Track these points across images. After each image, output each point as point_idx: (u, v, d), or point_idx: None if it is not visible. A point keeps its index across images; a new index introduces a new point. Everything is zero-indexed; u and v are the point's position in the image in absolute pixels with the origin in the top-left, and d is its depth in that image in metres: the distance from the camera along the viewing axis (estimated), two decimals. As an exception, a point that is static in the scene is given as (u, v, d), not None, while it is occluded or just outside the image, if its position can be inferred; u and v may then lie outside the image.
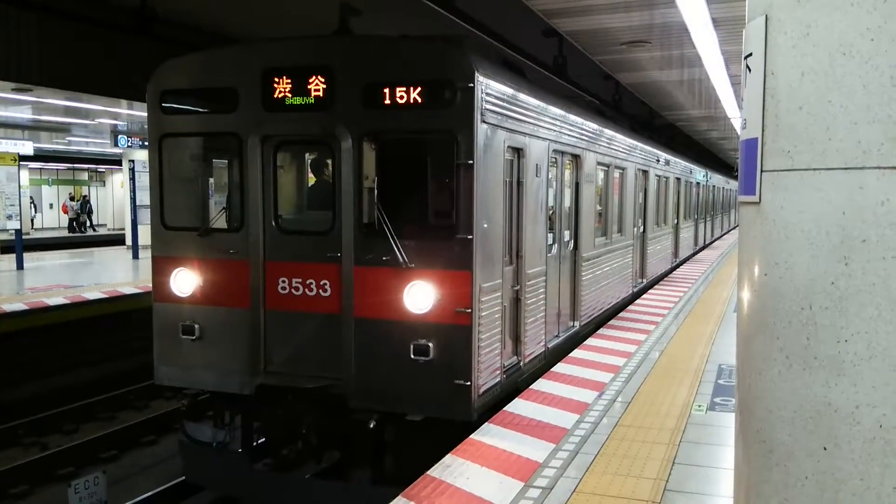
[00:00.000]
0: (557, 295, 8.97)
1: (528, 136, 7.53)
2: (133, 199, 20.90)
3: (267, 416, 6.89)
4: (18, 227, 18.21)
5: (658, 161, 15.74)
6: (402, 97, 6.19)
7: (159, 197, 7.20)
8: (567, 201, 9.50)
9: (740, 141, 2.47)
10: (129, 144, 21.83)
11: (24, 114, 19.10)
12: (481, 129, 6.23)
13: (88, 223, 40.66)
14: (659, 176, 15.94)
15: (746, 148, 2.38)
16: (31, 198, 38.93)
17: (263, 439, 7.37)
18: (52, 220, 45.22)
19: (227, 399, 7.13)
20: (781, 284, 2.21)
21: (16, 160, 18.08)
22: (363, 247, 6.44)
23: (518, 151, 7.34)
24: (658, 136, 18.79)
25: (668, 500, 4.75)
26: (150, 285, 7.34)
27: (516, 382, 7.39)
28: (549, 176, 8.43)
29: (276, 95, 6.60)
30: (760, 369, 2.30)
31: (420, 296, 6.25)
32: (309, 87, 6.51)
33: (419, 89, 6.15)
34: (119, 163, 30.66)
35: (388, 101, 6.23)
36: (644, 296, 14.00)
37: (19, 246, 18.23)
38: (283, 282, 6.72)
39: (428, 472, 5.21)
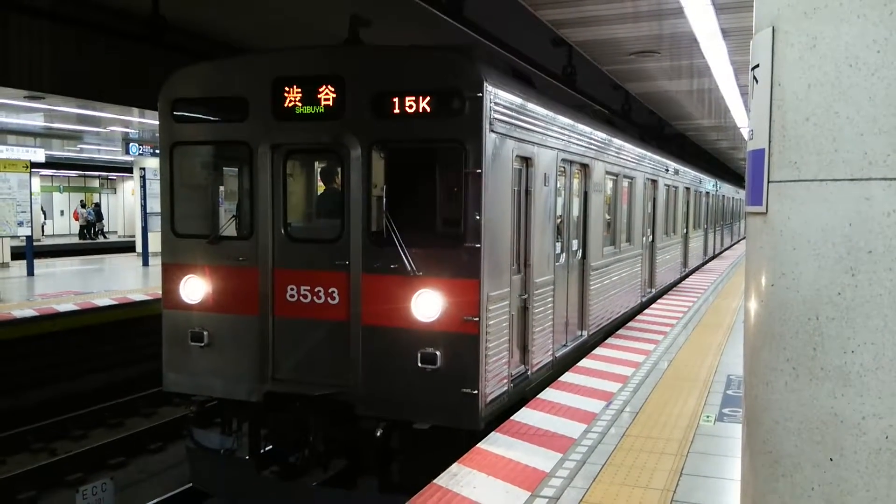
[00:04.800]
0: (565, 304, 8.97)
1: (537, 146, 7.55)
2: (144, 207, 21.02)
3: (274, 423, 6.91)
4: (29, 234, 18.33)
5: (667, 170, 15.72)
6: (411, 106, 6.22)
7: (170, 204, 7.24)
8: (575, 210, 9.50)
9: (747, 152, 2.48)
10: (141, 152, 21.96)
11: (36, 121, 19.24)
12: (490, 139, 6.25)
13: (100, 230, 40.89)
14: (668, 185, 15.92)
15: (753, 158, 2.39)
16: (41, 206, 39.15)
17: (271, 446, 7.38)
18: (63, 226, 45.48)
19: (234, 406, 7.15)
20: (788, 295, 2.21)
21: (27, 167, 18.22)
22: (371, 255, 6.46)
23: (526, 160, 7.36)
24: (667, 146, 18.78)
25: (675, 511, 4.74)
26: (160, 292, 7.38)
27: (524, 391, 7.38)
28: (558, 185, 8.43)
29: (286, 104, 6.65)
30: (767, 380, 2.30)
31: (428, 304, 6.26)
32: (319, 96, 6.55)
33: (428, 98, 6.18)
34: (130, 170, 30.86)
35: (397, 111, 6.26)
36: (653, 305, 13.96)
37: (30, 252, 18.35)
38: (292, 289, 6.74)
39: (434, 481, 5.21)
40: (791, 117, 2.20)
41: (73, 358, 12.53)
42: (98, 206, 43.06)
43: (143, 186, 21.06)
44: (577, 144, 9.09)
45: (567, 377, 8.23)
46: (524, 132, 7.12)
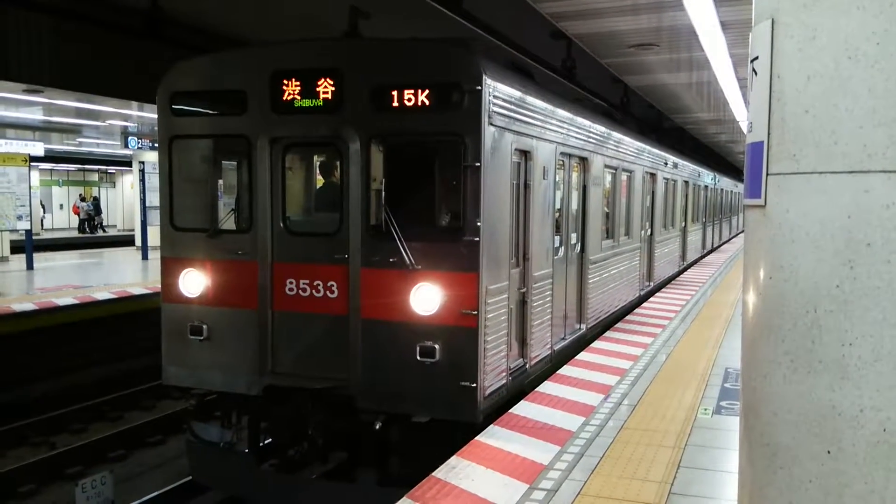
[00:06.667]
0: (564, 297, 8.97)
1: (536, 139, 7.54)
2: (143, 201, 21.00)
3: (274, 416, 6.92)
4: (28, 228, 18.32)
5: (666, 164, 15.71)
6: (410, 100, 6.21)
7: (169, 198, 7.23)
8: (574, 204, 9.49)
9: (746, 144, 2.47)
10: (140, 146, 21.93)
11: (35, 115, 19.19)
12: (489, 132, 6.24)
13: (99, 223, 40.84)
14: (667, 179, 15.92)
15: (752, 151, 2.38)
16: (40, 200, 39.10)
17: (270, 440, 7.40)
18: (62, 220, 45.43)
19: (234, 399, 7.16)
20: (786, 287, 2.21)
21: (26, 161, 18.19)
22: (370, 248, 6.46)
23: (525, 154, 7.35)
24: (666, 139, 18.76)
25: (673, 504, 4.75)
26: (159, 286, 7.38)
27: (522, 385, 7.39)
28: (557, 178, 8.43)
29: (285, 98, 6.63)
30: (765, 372, 2.30)
31: (427, 297, 6.27)
32: (318, 89, 6.54)
33: (427, 92, 6.17)
34: (129, 164, 30.79)
35: (396, 104, 6.25)
36: (651, 299, 13.98)
37: (29, 246, 18.34)
38: (291, 283, 6.74)
39: (433, 474, 5.22)
40: (790, 109, 2.20)
41: (72, 352, 12.53)
42: (97, 199, 42.99)
43: (143, 180, 21.04)
44: (576, 138, 9.08)
45: (565, 370, 8.24)
46: (523, 125, 7.11)
